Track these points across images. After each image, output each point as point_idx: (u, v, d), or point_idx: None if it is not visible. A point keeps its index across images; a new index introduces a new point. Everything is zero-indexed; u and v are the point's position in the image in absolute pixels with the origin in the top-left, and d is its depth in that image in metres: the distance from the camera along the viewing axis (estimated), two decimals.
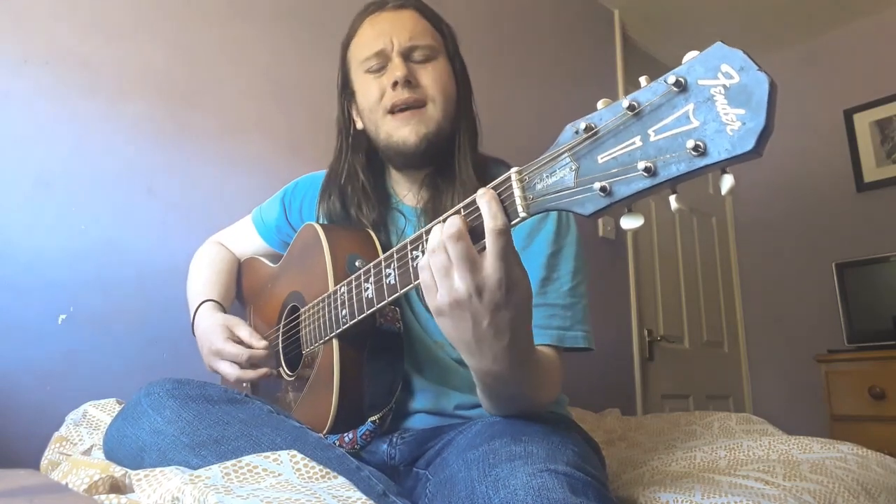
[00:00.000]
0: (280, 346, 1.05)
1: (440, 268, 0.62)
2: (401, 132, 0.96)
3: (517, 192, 0.59)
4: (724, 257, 3.33)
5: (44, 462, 0.93)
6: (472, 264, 0.60)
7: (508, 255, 0.60)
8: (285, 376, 1.02)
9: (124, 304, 1.32)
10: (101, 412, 1.03)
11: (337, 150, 1.09)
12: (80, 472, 0.63)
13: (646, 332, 2.70)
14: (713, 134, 0.45)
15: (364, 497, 0.59)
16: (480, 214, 0.61)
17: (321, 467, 0.64)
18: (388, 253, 0.75)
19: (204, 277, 1.18)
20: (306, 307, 0.96)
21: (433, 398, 0.92)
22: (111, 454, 0.79)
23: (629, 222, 0.53)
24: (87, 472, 0.63)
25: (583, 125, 0.54)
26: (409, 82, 0.95)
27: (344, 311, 0.84)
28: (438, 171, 0.99)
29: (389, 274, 0.74)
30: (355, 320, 0.82)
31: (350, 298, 0.82)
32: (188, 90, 1.50)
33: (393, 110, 0.96)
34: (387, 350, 0.90)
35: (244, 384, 1.12)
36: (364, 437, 0.89)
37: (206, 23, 1.56)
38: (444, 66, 1.00)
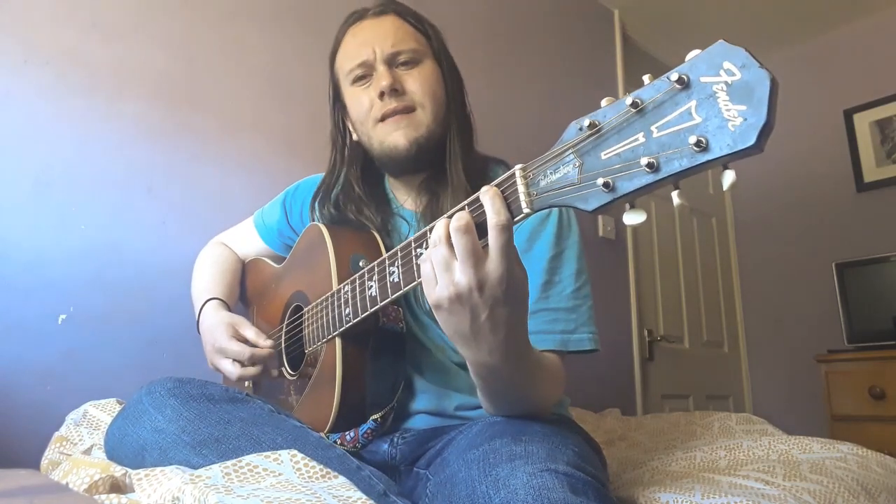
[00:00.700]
0: (283, 345, 1.05)
1: (441, 261, 0.62)
2: (391, 137, 0.96)
3: (521, 189, 0.60)
4: (724, 257, 3.33)
5: (44, 462, 0.93)
6: (477, 259, 0.61)
7: (510, 251, 0.61)
8: (287, 376, 1.02)
9: (124, 304, 1.32)
10: (102, 412, 1.03)
11: (331, 162, 1.08)
12: (81, 472, 0.63)
13: (646, 332, 2.70)
14: (715, 130, 0.46)
15: (364, 497, 0.59)
16: (484, 211, 0.61)
17: (322, 467, 0.64)
18: (391, 251, 0.76)
19: (208, 276, 1.18)
20: (309, 306, 0.96)
21: (434, 399, 0.92)
22: (112, 453, 0.79)
23: (631, 218, 0.54)
24: (87, 472, 0.63)
25: (587, 122, 0.54)
26: (396, 90, 0.95)
27: (347, 310, 0.84)
28: (434, 176, 0.99)
29: (393, 272, 0.74)
30: (358, 318, 0.82)
31: (354, 297, 0.83)
32: (188, 90, 1.50)
33: (383, 119, 0.96)
34: (389, 349, 0.90)
35: (246, 383, 1.12)
36: (366, 435, 0.89)
37: (206, 23, 1.56)
38: (430, 69, 0.99)
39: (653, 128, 0.50)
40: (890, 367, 2.33)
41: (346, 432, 0.90)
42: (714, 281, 3.20)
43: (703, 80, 0.47)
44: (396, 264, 0.74)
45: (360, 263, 0.87)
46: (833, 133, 3.05)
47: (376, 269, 0.78)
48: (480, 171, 0.99)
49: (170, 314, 1.34)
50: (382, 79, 0.95)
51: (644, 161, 0.50)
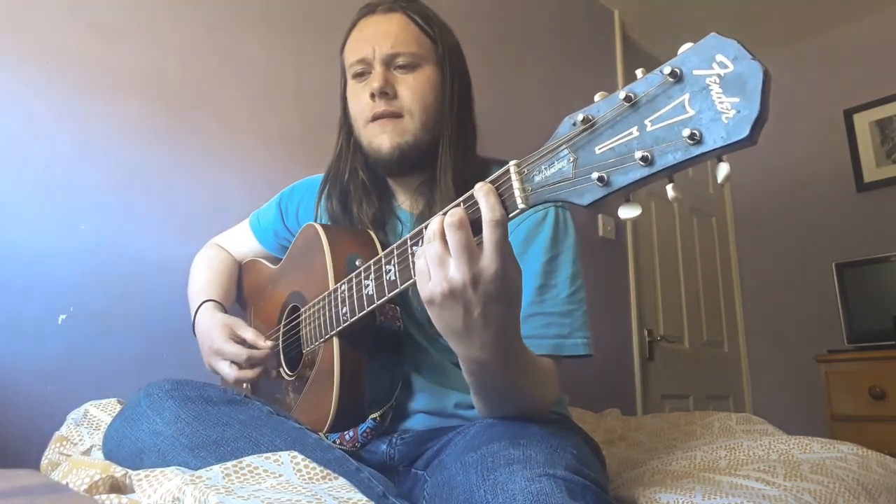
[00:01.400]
0: (280, 346, 1.05)
1: (435, 256, 0.62)
2: (377, 139, 0.96)
3: (516, 185, 0.59)
4: (724, 257, 3.33)
5: (44, 462, 0.93)
6: (471, 254, 0.61)
7: (505, 247, 0.61)
8: (286, 376, 1.02)
9: (124, 304, 1.32)
10: (103, 412, 1.02)
11: (337, 148, 1.08)
12: (81, 472, 0.63)
13: (646, 332, 2.70)
14: (709, 122, 0.46)
15: (365, 498, 0.59)
16: (479, 208, 0.61)
17: (322, 468, 0.64)
18: (388, 249, 0.76)
19: (204, 278, 1.18)
20: (306, 306, 0.96)
21: (433, 398, 0.92)
22: (110, 455, 0.78)
23: (627, 212, 0.54)
24: (87, 472, 0.63)
25: (580, 117, 0.54)
26: (386, 94, 0.95)
27: (344, 309, 0.84)
28: (429, 181, 0.99)
29: (390, 270, 0.74)
30: (356, 317, 0.82)
31: (351, 296, 0.83)
32: (188, 91, 1.50)
33: (373, 119, 0.97)
34: (387, 347, 0.90)
35: (244, 385, 1.12)
36: (365, 434, 0.89)
37: (205, 25, 1.56)
38: (426, 75, 0.97)
39: (647, 121, 0.50)
40: (890, 367, 2.34)
41: (346, 432, 0.90)
42: (714, 281, 3.20)
43: (695, 73, 0.47)
44: (393, 262, 0.74)
45: (357, 262, 0.87)
46: (833, 133, 3.05)
47: (373, 268, 0.78)
48: (481, 174, 0.99)
49: (170, 314, 1.34)
50: (375, 80, 0.95)
51: (638, 155, 0.50)
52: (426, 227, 0.66)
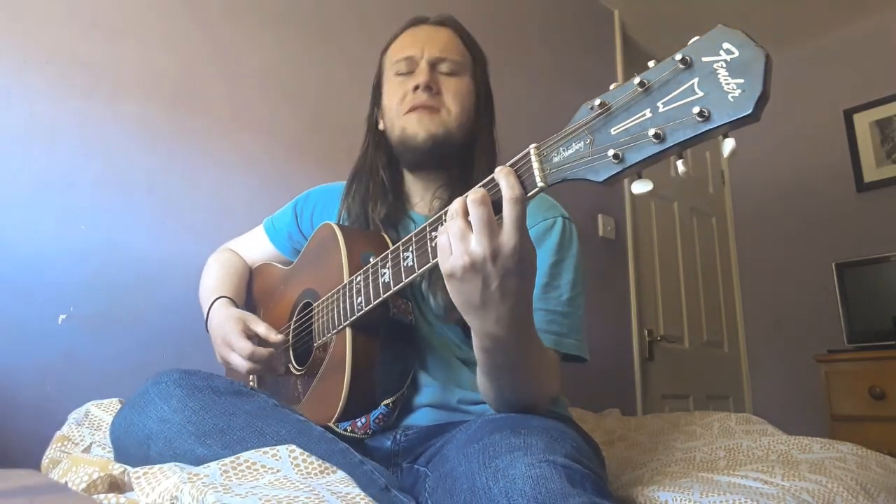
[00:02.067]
0: (290, 341, 1.06)
1: (457, 231, 0.65)
2: (413, 127, 1.01)
3: (535, 164, 0.63)
4: (725, 257, 3.33)
5: (45, 461, 0.93)
6: (492, 230, 0.64)
7: (523, 225, 0.65)
8: (294, 371, 1.03)
9: (124, 304, 1.32)
10: (104, 412, 1.03)
11: (364, 146, 1.14)
12: (80, 471, 0.63)
13: (646, 332, 2.70)
14: (716, 101, 0.50)
15: (362, 492, 0.59)
16: (499, 190, 0.64)
17: (320, 462, 0.64)
18: (406, 237, 0.78)
19: (216, 278, 1.19)
20: (320, 300, 0.98)
21: (438, 393, 0.94)
22: (118, 442, 0.79)
23: (640, 187, 0.58)
24: (86, 471, 0.63)
25: (597, 102, 0.58)
26: (431, 88, 1.01)
27: (359, 299, 0.86)
28: (450, 182, 1.03)
29: (408, 257, 0.77)
30: (371, 306, 0.84)
31: (366, 285, 0.85)
32: (188, 91, 1.51)
33: (412, 109, 1.01)
34: (399, 338, 0.93)
35: (250, 379, 1.13)
36: (377, 420, 0.90)
37: (206, 24, 1.56)
38: (467, 84, 1.05)
39: (659, 104, 0.54)
40: (890, 367, 2.33)
41: (358, 419, 0.90)
42: (714, 281, 3.20)
43: (704, 59, 0.52)
44: (411, 249, 0.76)
45: (371, 260, 0.88)
46: (833, 133, 3.05)
47: (390, 257, 0.81)
48: None
49: (170, 314, 1.34)
50: (421, 74, 1.02)
51: (651, 132, 0.53)
52: (446, 212, 0.69)
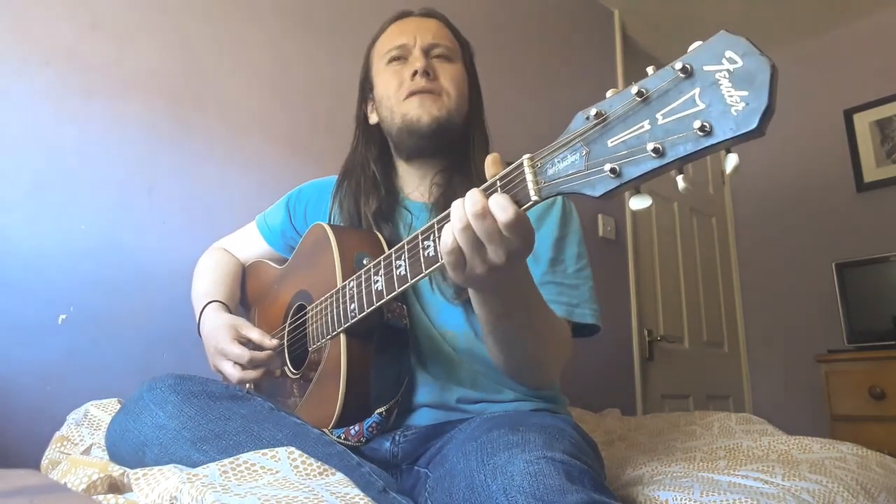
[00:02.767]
0: (285, 344, 1.05)
1: (471, 242, 0.63)
2: (415, 111, 1.00)
3: (529, 178, 0.61)
4: (724, 257, 3.33)
5: (44, 461, 0.93)
6: (500, 238, 0.63)
7: (522, 223, 0.62)
8: (290, 375, 1.02)
9: (124, 304, 1.32)
10: (103, 412, 1.03)
11: (353, 141, 1.14)
12: (79, 472, 0.63)
13: (646, 332, 2.70)
14: (718, 115, 0.47)
15: (362, 493, 0.59)
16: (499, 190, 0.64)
17: (319, 464, 0.64)
18: (398, 245, 0.77)
19: (208, 280, 1.18)
20: (313, 304, 0.97)
21: (436, 392, 0.93)
22: (114, 448, 0.79)
23: (638, 203, 0.56)
24: (85, 472, 0.63)
25: (593, 111, 0.56)
26: (428, 73, 1.01)
27: (353, 306, 0.85)
28: (449, 168, 1.03)
29: (400, 266, 0.75)
30: (364, 313, 0.83)
31: (359, 292, 0.84)
32: (188, 90, 1.50)
33: (411, 95, 1.01)
34: (394, 344, 0.92)
35: (247, 384, 1.12)
36: (371, 429, 0.89)
37: (207, 23, 1.56)
38: (460, 70, 1.06)
39: (658, 115, 0.51)
40: (890, 367, 2.33)
41: (352, 427, 0.90)
42: (714, 281, 3.20)
43: (706, 68, 0.48)
44: (403, 258, 0.75)
45: (364, 262, 0.87)
46: (833, 133, 3.05)
47: (382, 264, 0.79)
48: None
49: (170, 314, 1.34)
50: (417, 61, 1.01)
51: (650, 147, 0.51)
52: (439, 224, 0.68)
